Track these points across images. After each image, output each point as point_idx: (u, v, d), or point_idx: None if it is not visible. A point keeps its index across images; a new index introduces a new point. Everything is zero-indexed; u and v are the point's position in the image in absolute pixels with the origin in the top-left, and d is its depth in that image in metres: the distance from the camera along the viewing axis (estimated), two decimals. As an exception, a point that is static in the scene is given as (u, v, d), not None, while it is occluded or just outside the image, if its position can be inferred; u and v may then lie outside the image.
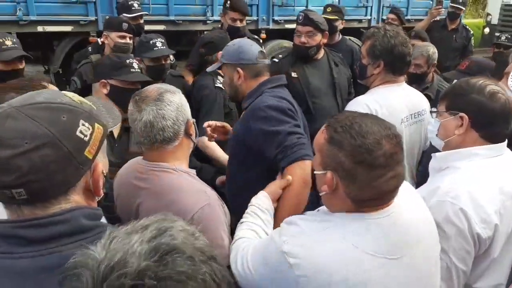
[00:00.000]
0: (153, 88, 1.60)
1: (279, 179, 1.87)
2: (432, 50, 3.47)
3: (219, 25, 4.75)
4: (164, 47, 3.02)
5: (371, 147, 1.19)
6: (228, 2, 3.99)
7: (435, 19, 5.94)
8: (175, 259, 0.60)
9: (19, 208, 0.91)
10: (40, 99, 0.93)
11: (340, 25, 4.22)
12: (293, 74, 3.23)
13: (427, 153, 2.60)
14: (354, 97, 2.88)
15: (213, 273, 0.62)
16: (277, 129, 1.92)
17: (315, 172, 1.36)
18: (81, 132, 0.93)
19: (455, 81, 2.49)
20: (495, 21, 10.99)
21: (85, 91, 3.55)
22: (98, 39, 3.89)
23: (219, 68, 2.27)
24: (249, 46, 2.14)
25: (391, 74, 2.47)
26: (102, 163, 1.01)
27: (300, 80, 3.23)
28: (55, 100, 0.93)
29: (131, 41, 3.63)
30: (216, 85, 2.99)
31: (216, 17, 5.91)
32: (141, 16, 4.28)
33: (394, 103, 2.41)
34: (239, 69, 2.12)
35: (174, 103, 1.57)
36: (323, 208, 1.43)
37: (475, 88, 1.69)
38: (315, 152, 1.36)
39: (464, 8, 5.84)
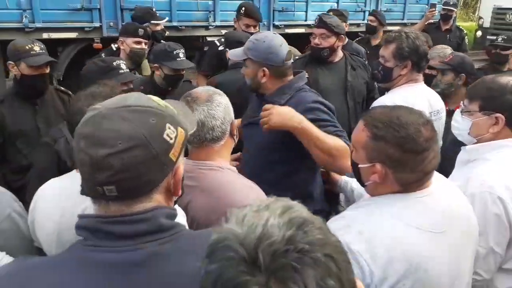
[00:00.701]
0: (203, 90, 1.71)
1: None
2: (450, 51, 3.56)
3: (221, 31, 4.87)
4: (185, 58, 3.11)
5: (414, 136, 1.34)
6: (243, 8, 4.09)
7: (430, 21, 6.35)
8: (311, 229, 0.66)
9: (107, 204, 0.97)
10: (131, 102, 0.98)
11: (345, 28, 4.33)
12: (303, 74, 3.33)
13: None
14: None
15: (339, 242, 0.69)
16: (321, 116, 2.12)
17: (359, 166, 1.46)
18: (167, 135, 0.97)
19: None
20: (487, 24, 11.22)
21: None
22: (113, 45, 3.95)
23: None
24: (278, 47, 2.18)
25: (416, 72, 2.61)
26: (182, 165, 1.06)
27: (309, 79, 3.31)
28: (144, 104, 0.98)
29: (146, 47, 3.71)
30: None
31: (218, 23, 5.99)
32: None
33: (416, 101, 2.47)
34: (265, 69, 2.18)
35: (222, 104, 1.67)
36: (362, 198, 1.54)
37: (507, 88, 1.83)
38: (357, 149, 1.47)
39: (455, 10, 6.33)
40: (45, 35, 5.09)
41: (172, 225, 1.00)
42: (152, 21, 4.39)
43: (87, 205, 1.39)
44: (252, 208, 0.70)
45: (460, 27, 6.70)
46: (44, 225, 1.55)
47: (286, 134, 2.05)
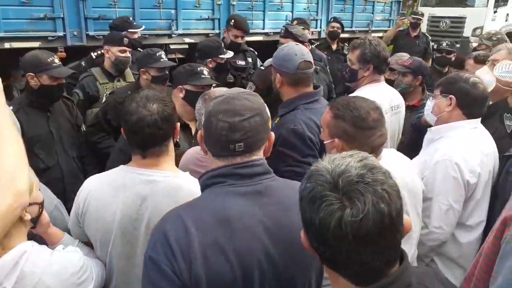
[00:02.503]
0: (220, 90, 1.92)
1: None
2: (407, 57, 3.97)
3: (183, 39, 5.01)
4: (167, 59, 3.34)
5: (364, 115, 1.73)
6: (232, 21, 4.34)
7: (400, 28, 7.36)
8: (378, 172, 0.95)
9: (233, 158, 1.34)
10: (242, 90, 1.42)
11: (308, 35, 4.66)
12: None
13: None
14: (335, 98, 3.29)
15: (395, 184, 0.97)
16: (289, 153, 2.25)
17: (324, 142, 1.85)
18: (266, 109, 1.40)
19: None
20: (423, 30, 12.06)
21: (87, 102, 3.70)
22: (92, 53, 4.05)
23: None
24: (292, 56, 2.35)
25: (377, 74, 2.92)
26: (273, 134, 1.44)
27: None
28: (250, 92, 1.43)
29: (130, 55, 3.88)
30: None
31: (180, 31, 6.12)
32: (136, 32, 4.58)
33: (377, 98, 2.73)
34: (278, 75, 2.37)
35: None
36: None
37: (462, 78, 2.30)
38: (323, 128, 1.88)
39: (422, 18, 7.38)
40: (7, 45, 5.03)
41: (271, 170, 1.41)
42: (130, 30, 4.51)
43: (142, 195, 1.63)
44: (341, 154, 1.03)
45: (426, 33, 7.79)
46: (102, 215, 1.70)
47: None
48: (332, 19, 6.67)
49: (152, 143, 1.70)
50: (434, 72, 5.00)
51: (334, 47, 5.97)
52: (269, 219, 1.31)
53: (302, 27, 4.54)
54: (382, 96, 2.89)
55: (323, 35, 7.85)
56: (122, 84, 3.83)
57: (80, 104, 3.64)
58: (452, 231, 2.26)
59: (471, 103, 2.30)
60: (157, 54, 3.29)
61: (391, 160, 1.89)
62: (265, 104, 1.40)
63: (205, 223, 1.26)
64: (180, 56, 6.25)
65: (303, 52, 2.43)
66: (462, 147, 2.25)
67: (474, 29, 12.57)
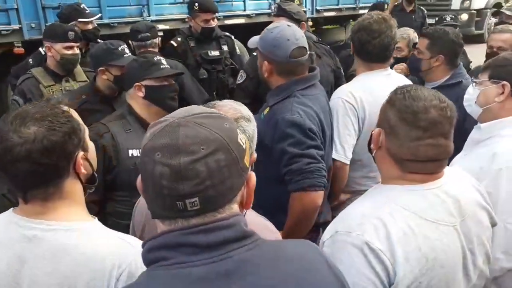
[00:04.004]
0: (230, 108, 1.43)
1: None
2: (413, 34, 3.61)
3: (157, 26, 4.49)
4: (131, 54, 2.78)
5: (417, 109, 1.32)
6: (196, 4, 3.75)
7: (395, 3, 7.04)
8: None
9: (185, 221, 0.89)
10: (198, 110, 0.95)
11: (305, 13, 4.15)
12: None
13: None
14: None
15: None
16: (288, 149, 1.90)
17: (372, 132, 1.45)
18: (240, 139, 0.93)
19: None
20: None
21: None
22: (41, 49, 3.42)
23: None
24: (284, 41, 1.94)
25: (361, 59, 2.46)
26: (253, 175, 1.00)
27: None
28: (212, 111, 0.97)
29: (78, 51, 3.24)
30: None
31: (153, 17, 5.57)
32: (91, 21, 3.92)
33: (377, 88, 2.35)
34: (266, 62, 1.94)
35: (247, 133, 1.40)
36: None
37: None
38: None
39: None
40: (-45, 42, 4.44)
41: (252, 232, 0.95)
42: (80, 19, 3.88)
43: (22, 258, 1.20)
44: None
45: (422, 7, 7.33)
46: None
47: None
48: None
49: (30, 184, 1.19)
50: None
51: None
52: None
53: (298, 2, 4.00)
54: (381, 85, 2.41)
55: (308, 14, 7.34)
56: (73, 85, 3.21)
57: None
58: None
59: None
60: (119, 49, 2.72)
61: (452, 177, 1.45)
62: (236, 130, 0.95)
63: None
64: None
65: (297, 35, 2.01)
66: None
67: (463, 1, 12.20)
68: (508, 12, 4.49)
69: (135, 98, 2.28)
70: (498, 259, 1.69)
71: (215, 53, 3.89)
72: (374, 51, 2.36)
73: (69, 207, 1.24)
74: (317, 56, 3.16)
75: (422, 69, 2.71)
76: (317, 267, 0.97)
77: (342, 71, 3.32)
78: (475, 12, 12.44)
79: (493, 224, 1.49)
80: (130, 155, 2.20)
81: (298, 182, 1.87)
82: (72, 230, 1.20)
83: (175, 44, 3.87)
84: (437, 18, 5.17)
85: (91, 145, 1.33)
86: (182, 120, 0.90)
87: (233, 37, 4.36)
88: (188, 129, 0.88)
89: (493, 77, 1.89)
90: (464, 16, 11.94)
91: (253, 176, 0.99)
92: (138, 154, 2.18)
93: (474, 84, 2.01)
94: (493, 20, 13.25)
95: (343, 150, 2.24)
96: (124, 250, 1.18)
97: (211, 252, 0.88)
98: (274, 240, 1.13)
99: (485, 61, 2.34)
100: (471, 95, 1.99)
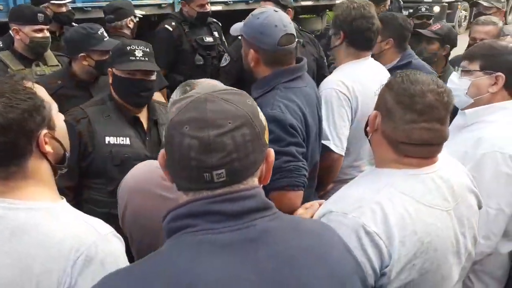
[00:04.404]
0: (208, 86, 1.35)
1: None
2: None
3: (137, 11, 4.33)
4: (110, 38, 2.69)
5: (414, 92, 1.32)
6: None
7: None
8: None
9: (210, 192, 0.92)
10: (222, 87, 0.99)
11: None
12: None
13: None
14: None
15: None
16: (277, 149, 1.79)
17: (369, 115, 1.45)
18: (260, 116, 0.97)
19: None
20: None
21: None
22: (11, 32, 3.24)
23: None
24: (271, 27, 1.83)
25: (353, 48, 2.41)
26: (272, 151, 1.03)
27: None
28: (233, 89, 1.00)
29: (48, 34, 3.10)
30: None
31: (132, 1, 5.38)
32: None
33: (364, 77, 2.39)
34: (252, 51, 1.84)
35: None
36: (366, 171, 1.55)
37: (508, 49, 1.87)
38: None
39: None
40: None
41: (272, 204, 1.00)
42: (53, 1, 3.71)
43: None
44: None
45: None
46: None
47: None
48: None
49: None
50: (413, 41, 4.58)
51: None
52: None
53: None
54: (368, 74, 2.44)
55: None
56: (44, 70, 3.08)
57: None
58: (498, 241, 1.84)
59: None
60: (99, 33, 2.60)
61: (445, 162, 1.46)
62: (257, 107, 0.98)
63: None
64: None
65: (284, 21, 1.91)
66: None
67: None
68: (485, 3, 4.55)
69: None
70: (478, 244, 1.72)
71: (210, 39, 3.80)
72: (372, 37, 2.37)
73: (35, 187, 1.19)
74: (301, 45, 3.13)
75: (373, 52, 2.72)
76: (334, 245, 1.02)
77: (325, 60, 3.30)
78: (446, 4, 12.71)
79: (480, 207, 1.53)
80: (106, 142, 2.12)
81: (276, 181, 1.74)
82: (36, 210, 1.14)
83: (170, 29, 3.72)
84: (411, 10, 5.23)
85: (60, 124, 1.26)
86: (208, 95, 0.93)
87: (220, 24, 4.27)
88: (215, 104, 0.91)
89: (485, 67, 1.89)
90: (436, 9, 12.15)
91: (272, 152, 1.01)
92: (116, 142, 2.13)
93: (461, 73, 1.99)
94: (464, 13, 13.61)
95: (340, 142, 2.21)
96: (86, 234, 1.12)
97: (236, 220, 0.92)
98: (291, 215, 1.16)
99: None
100: (459, 85, 1.96)
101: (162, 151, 0.98)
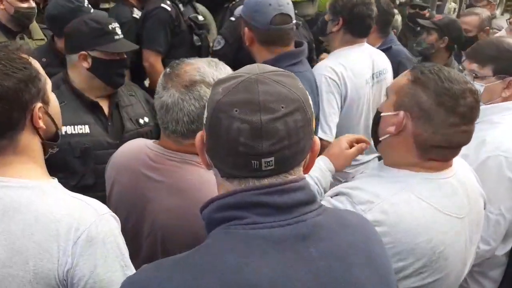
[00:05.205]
0: (190, 69, 1.28)
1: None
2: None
3: None
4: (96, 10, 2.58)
5: (458, 92, 1.21)
6: None
7: None
8: None
9: (257, 181, 0.86)
10: (270, 68, 0.90)
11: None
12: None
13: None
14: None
15: None
16: None
17: (382, 114, 1.34)
18: (310, 101, 0.90)
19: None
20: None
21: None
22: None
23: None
24: (265, 6, 1.84)
25: (350, 35, 2.38)
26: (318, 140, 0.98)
27: None
28: (282, 70, 0.92)
29: (35, 4, 2.97)
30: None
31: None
32: None
33: (357, 64, 2.38)
34: (247, 29, 1.83)
35: (203, 99, 1.25)
36: (375, 165, 1.46)
37: None
38: (390, 94, 1.34)
39: None
40: None
41: (317, 196, 0.95)
42: None
43: None
44: None
45: None
46: None
47: None
48: None
49: None
50: (407, 31, 4.61)
51: None
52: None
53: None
54: (361, 61, 2.44)
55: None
56: (29, 44, 2.93)
57: None
58: (498, 245, 1.81)
59: None
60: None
61: (465, 174, 1.40)
62: (306, 92, 0.90)
63: None
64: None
65: (280, 1, 1.91)
66: None
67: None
68: None
69: (77, 68, 2.01)
70: (478, 248, 1.71)
71: (201, 18, 3.54)
72: (371, 24, 2.36)
73: (25, 164, 1.13)
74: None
75: None
76: (376, 239, 0.98)
77: (314, 44, 3.26)
78: (436, -5, 12.73)
79: (484, 208, 1.49)
80: (63, 132, 1.86)
81: None
82: (28, 188, 1.09)
83: (168, 8, 3.44)
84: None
85: (53, 99, 1.20)
86: (259, 76, 0.86)
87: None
88: (267, 86, 0.84)
89: (498, 71, 1.83)
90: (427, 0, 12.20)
91: (317, 140, 0.95)
92: (74, 131, 1.95)
93: (473, 79, 1.88)
94: (453, 5, 13.67)
95: (329, 129, 2.21)
96: (84, 213, 1.08)
97: (285, 214, 0.86)
98: (331, 208, 1.13)
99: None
100: None
101: (201, 133, 0.91)
